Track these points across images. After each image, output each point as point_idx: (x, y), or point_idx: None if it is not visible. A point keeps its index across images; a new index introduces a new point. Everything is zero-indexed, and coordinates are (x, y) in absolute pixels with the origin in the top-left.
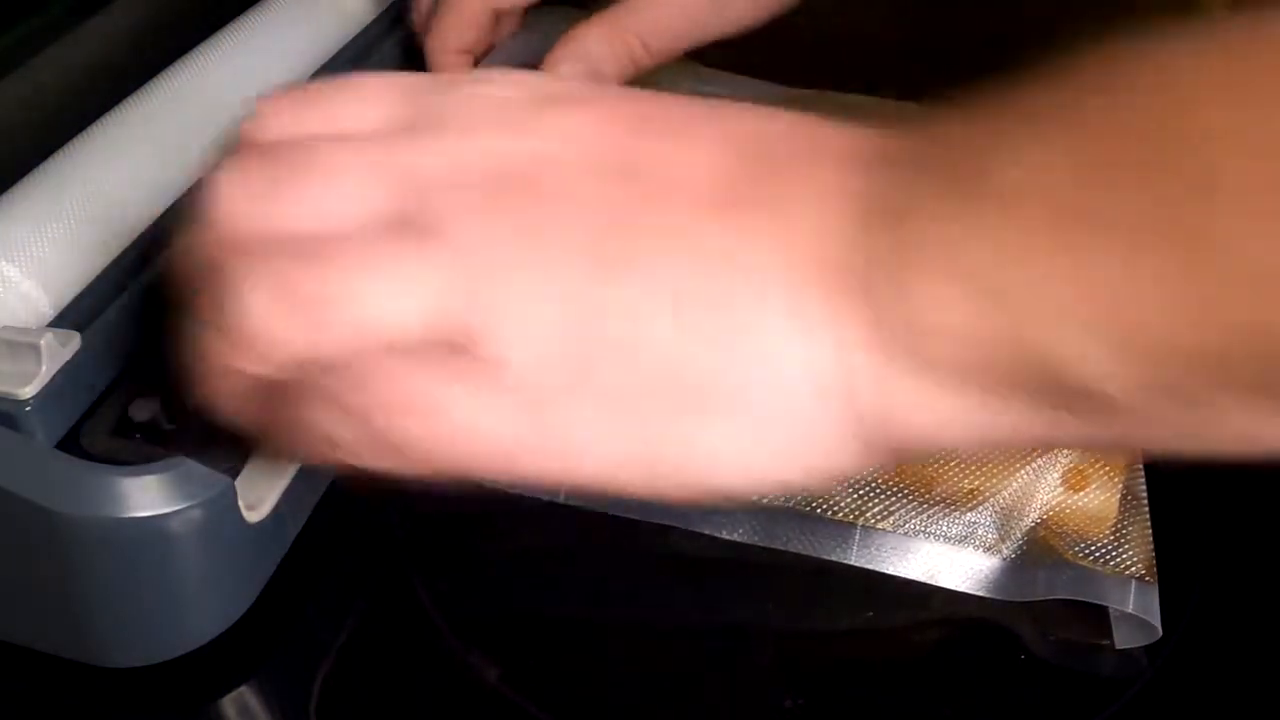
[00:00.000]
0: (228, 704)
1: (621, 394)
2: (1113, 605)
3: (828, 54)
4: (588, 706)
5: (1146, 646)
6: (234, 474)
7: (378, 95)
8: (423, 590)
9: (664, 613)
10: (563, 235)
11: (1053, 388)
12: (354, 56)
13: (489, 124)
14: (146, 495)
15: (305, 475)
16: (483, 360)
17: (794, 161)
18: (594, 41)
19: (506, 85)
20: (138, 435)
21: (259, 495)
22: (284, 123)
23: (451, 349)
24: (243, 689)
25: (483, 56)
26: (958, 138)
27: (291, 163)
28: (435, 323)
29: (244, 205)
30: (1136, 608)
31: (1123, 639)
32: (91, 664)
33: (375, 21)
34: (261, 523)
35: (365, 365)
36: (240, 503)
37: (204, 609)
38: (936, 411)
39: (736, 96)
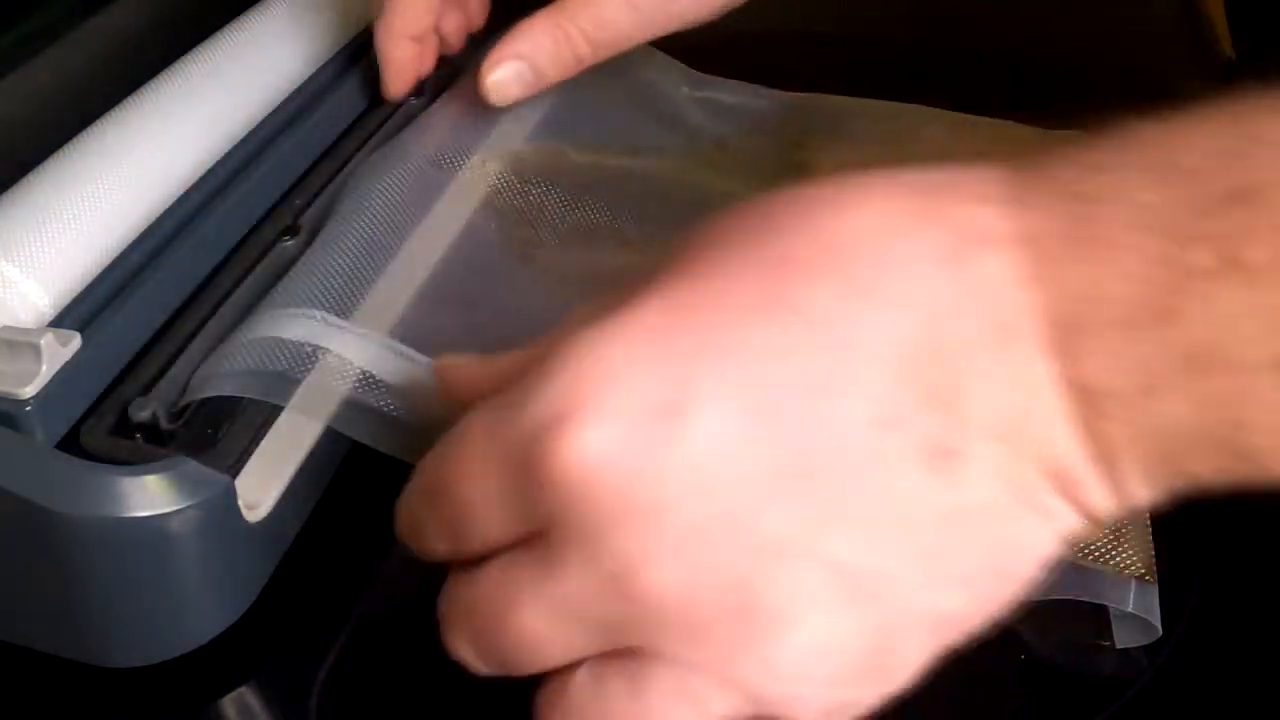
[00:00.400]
0: (228, 704)
1: (909, 655)
2: (1112, 605)
3: (820, 56)
4: None
5: (1146, 646)
6: (234, 474)
7: (485, 487)
8: (423, 590)
9: None
10: (790, 593)
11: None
12: (353, 56)
13: (634, 538)
14: (146, 495)
15: (305, 475)
16: None
17: (985, 372)
18: (536, 36)
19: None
20: (138, 435)
21: (259, 495)
22: (446, 546)
23: None
24: (243, 689)
25: (432, 62)
26: (1155, 309)
27: (488, 629)
28: None
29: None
30: (1137, 607)
31: (1123, 639)
32: (91, 664)
33: None
34: (261, 523)
35: None
36: (240, 503)
37: (204, 609)
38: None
39: (729, 100)
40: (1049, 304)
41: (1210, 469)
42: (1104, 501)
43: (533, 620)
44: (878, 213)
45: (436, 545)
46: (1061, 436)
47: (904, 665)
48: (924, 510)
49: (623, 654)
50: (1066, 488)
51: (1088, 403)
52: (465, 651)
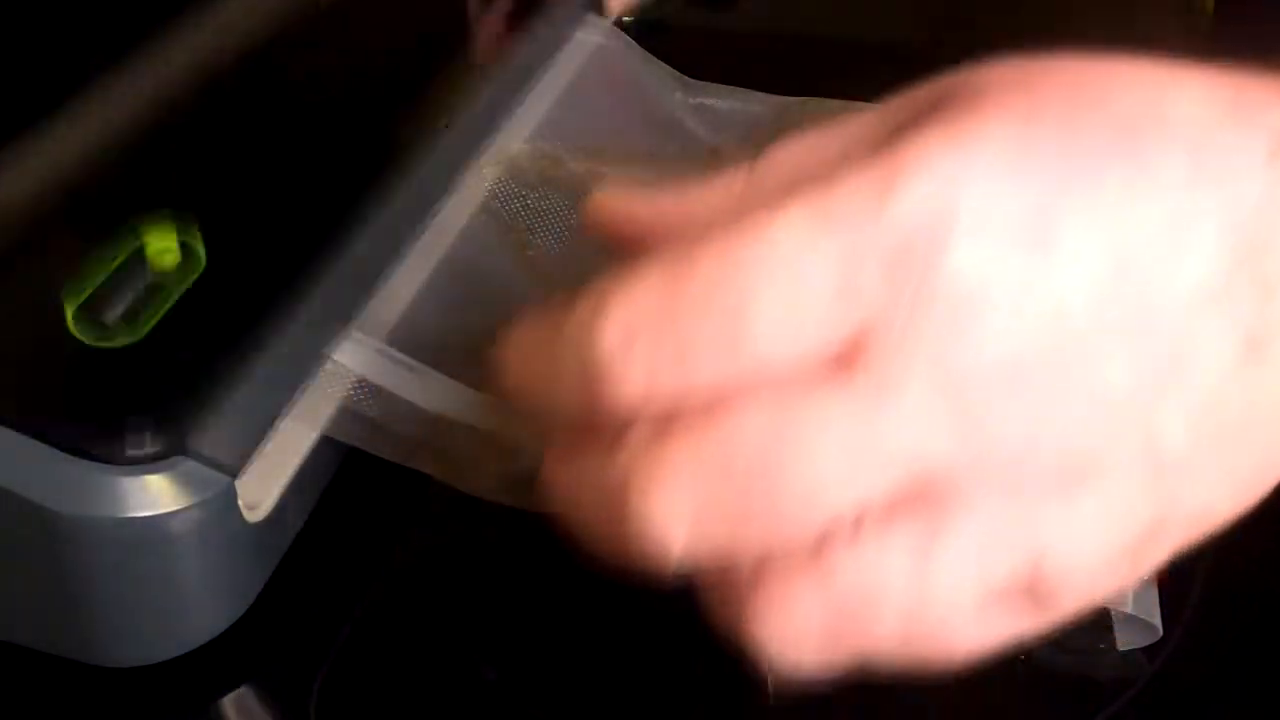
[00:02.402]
0: (228, 704)
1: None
2: (1113, 607)
3: (815, 60)
4: (587, 706)
5: (1147, 646)
6: (234, 474)
7: (800, 295)
8: (423, 590)
9: (664, 613)
10: (1108, 454)
11: None
12: None
13: (961, 361)
14: (146, 495)
15: (305, 475)
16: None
17: None
18: None
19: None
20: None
21: (259, 495)
22: (667, 378)
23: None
24: (243, 689)
25: None
26: None
27: (745, 478)
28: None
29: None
30: (1137, 609)
31: (1124, 640)
32: (91, 664)
33: None
34: (261, 523)
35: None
36: (240, 503)
37: (204, 609)
38: None
39: (724, 106)
40: None
41: None
42: None
43: (823, 464)
44: (1200, 104)
45: (628, 387)
46: None
47: (1152, 562)
48: (1230, 400)
49: (911, 512)
50: None
51: None
52: (680, 512)
